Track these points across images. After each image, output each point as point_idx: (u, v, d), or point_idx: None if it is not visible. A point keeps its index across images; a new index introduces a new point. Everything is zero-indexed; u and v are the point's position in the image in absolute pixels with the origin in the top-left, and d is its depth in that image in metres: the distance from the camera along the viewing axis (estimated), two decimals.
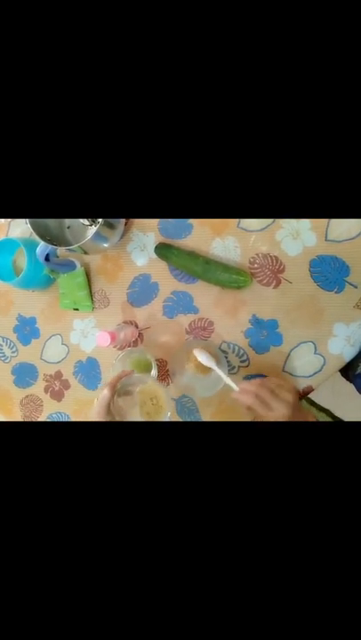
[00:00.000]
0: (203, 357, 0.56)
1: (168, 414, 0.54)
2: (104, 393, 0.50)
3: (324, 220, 0.54)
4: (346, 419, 0.66)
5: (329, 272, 0.54)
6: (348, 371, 0.61)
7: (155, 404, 0.55)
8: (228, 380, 0.53)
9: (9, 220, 0.73)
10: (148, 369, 0.62)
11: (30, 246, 0.63)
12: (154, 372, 0.61)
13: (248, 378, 0.59)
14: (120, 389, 0.53)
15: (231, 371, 0.60)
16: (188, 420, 0.63)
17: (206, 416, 0.62)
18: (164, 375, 0.63)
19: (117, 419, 0.53)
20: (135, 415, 0.54)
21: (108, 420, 0.50)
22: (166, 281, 0.62)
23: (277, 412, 0.47)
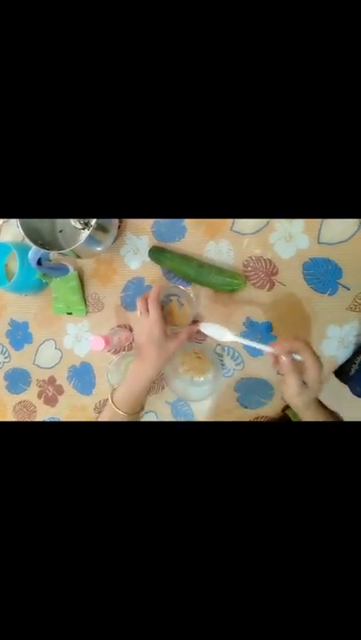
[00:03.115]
0: (211, 330, 0.51)
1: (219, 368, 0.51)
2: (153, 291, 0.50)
3: (317, 223, 0.54)
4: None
5: (322, 274, 0.54)
6: (342, 372, 0.61)
7: (200, 357, 0.54)
8: (255, 345, 0.48)
9: (0, 223, 0.72)
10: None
11: (22, 250, 0.62)
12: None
13: (244, 380, 0.59)
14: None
15: (226, 374, 0.59)
16: None
17: (201, 419, 0.62)
18: (159, 379, 0.63)
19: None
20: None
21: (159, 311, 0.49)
22: (160, 284, 0.62)
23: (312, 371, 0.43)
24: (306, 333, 0.56)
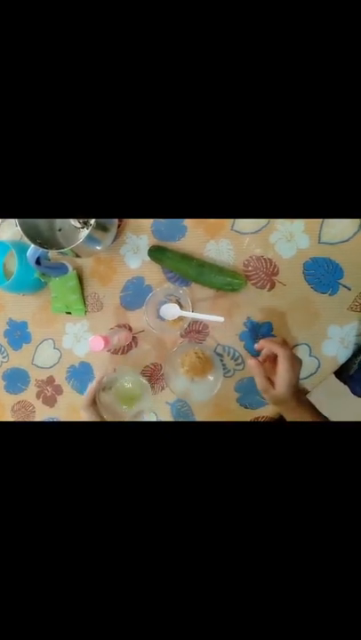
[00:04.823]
0: (170, 310, 0.58)
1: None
2: (91, 384, 0.55)
3: (318, 223, 0.54)
4: (341, 420, 0.66)
5: (323, 274, 0.54)
6: (342, 372, 0.61)
7: (200, 357, 0.58)
8: (206, 317, 0.57)
9: None
10: (140, 390, 0.59)
11: (21, 249, 0.62)
12: (147, 394, 0.58)
13: (244, 380, 0.59)
14: (106, 384, 0.55)
15: (227, 374, 0.59)
16: None
17: (202, 419, 0.62)
18: (159, 379, 0.63)
19: (104, 415, 0.54)
20: (119, 410, 0.56)
21: (94, 413, 0.54)
22: (160, 284, 0.62)
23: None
24: (306, 333, 0.56)
